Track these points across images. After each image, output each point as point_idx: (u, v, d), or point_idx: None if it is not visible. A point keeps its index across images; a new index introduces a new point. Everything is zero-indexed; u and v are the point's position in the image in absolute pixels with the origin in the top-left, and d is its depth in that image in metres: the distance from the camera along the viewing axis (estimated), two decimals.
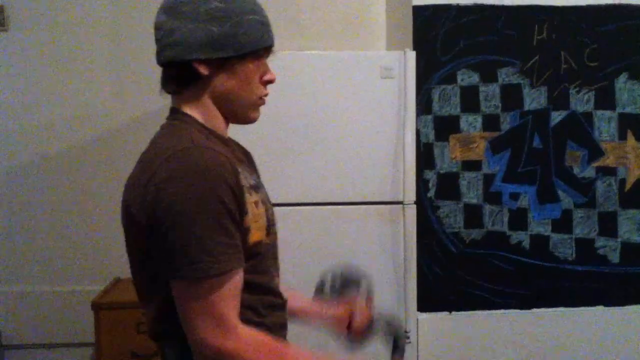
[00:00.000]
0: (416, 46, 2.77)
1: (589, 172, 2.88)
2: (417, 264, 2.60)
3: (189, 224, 1.01)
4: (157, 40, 1.16)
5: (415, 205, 2.56)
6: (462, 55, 2.81)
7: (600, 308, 2.91)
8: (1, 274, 3.09)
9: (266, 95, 1.22)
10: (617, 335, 2.90)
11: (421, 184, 2.80)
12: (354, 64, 2.52)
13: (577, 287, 2.90)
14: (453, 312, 2.86)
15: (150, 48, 3.31)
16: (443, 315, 2.85)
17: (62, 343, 3.09)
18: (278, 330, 1.22)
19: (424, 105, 2.79)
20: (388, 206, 2.56)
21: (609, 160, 2.88)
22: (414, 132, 2.57)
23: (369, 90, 2.53)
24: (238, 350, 1.04)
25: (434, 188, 2.83)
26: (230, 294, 1.05)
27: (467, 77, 2.81)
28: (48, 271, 3.10)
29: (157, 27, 1.16)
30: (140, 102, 3.05)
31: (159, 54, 1.16)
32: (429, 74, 2.79)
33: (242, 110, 1.20)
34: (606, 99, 2.86)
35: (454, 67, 2.81)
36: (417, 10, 2.79)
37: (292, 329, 1.29)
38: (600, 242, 2.90)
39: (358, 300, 1.47)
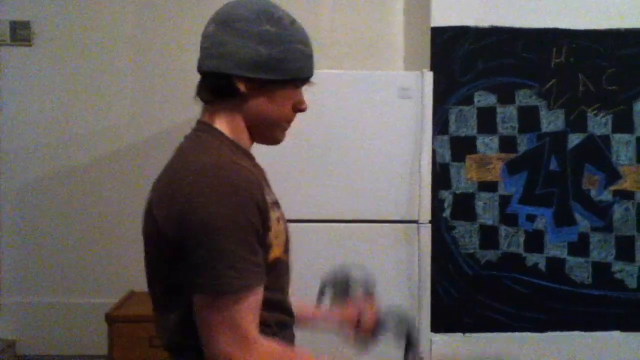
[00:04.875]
0: (434, 67, 2.79)
1: (607, 196, 2.86)
2: (431, 284, 2.59)
3: (217, 240, 1.02)
4: (203, 49, 1.17)
5: (430, 225, 2.56)
6: (479, 77, 2.82)
7: (616, 333, 2.87)
8: (17, 286, 3.12)
9: (292, 120, 1.25)
10: None
11: (437, 204, 2.79)
12: (372, 83, 2.54)
13: (592, 311, 2.87)
14: (467, 333, 2.84)
15: (171, 65, 3.35)
16: (457, 336, 2.83)
17: (75, 355, 3.11)
18: None
19: (440, 125, 2.80)
20: (403, 225, 2.56)
21: (626, 184, 2.87)
22: (431, 152, 2.57)
23: (386, 110, 2.54)
24: None
25: (450, 208, 2.83)
26: (251, 309, 1.06)
27: (484, 99, 2.82)
28: (63, 283, 3.12)
29: (206, 36, 1.17)
30: (159, 117, 3.09)
31: (201, 61, 1.18)
32: (446, 94, 2.81)
33: (269, 132, 1.22)
34: (624, 123, 2.85)
35: (472, 88, 2.82)
36: (436, 32, 2.81)
37: (301, 334, 1.30)
38: (617, 266, 2.87)
39: (362, 299, 1.48)
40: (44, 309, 3.10)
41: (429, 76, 2.54)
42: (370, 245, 2.53)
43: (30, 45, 3.07)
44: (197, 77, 1.22)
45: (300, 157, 2.52)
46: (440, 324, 2.76)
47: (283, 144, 1.27)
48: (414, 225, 2.55)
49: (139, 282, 2.99)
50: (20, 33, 3.04)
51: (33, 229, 3.11)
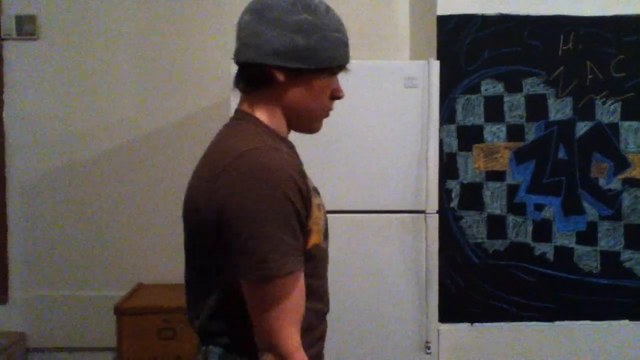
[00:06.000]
0: (440, 56, 2.77)
1: (615, 184, 2.84)
2: (438, 274, 2.58)
3: (260, 223, 1.02)
4: (239, 39, 1.17)
5: (437, 215, 2.55)
6: (486, 65, 2.80)
7: (625, 322, 2.87)
8: (26, 279, 3.13)
9: (332, 109, 1.24)
10: None
11: (444, 194, 2.78)
12: (378, 73, 2.53)
13: (601, 301, 2.86)
14: (475, 324, 2.83)
15: (177, 58, 3.34)
16: (464, 326, 2.83)
17: (84, 347, 3.13)
18: (319, 341, 1.22)
19: (447, 114, 2.79)
20: (410, 215, 2.55)
21: (635, 172, 2.85)
22: (437, 141, 2.56)
23: (392, 100, 2.53)
24: None
25: (457, 198, 2.82)
26: (296, 292, 1.06)
27: (491, 87, 2.81)
28: (72, 276, 3.13)
29: (241, 26, 1.17)
30: (166, 111, 3.09)
31: (238, 51, 1.17)
32: (453, 83, 2.79)
33: (307, 121, 1.23)
34: (633, 110, 2.83)
35: (478, 77, 2.80)
36: (442, 20, 2.79)
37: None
38: (625, 255, 2.86)
39: None
40: (53, 302, 3.12)
41: (435, 65, 2.53)
42: (377, 235, 2.53)
43: (36, 40, 3.07)
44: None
45: (305, 148, 2.50)
46: (447, 314, 2.76)
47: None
48: (422, 215, 2.55)
49: (147, 274, 3.02)
50: (26, 27, 3.04)
51: (41, 223, 3.12)
